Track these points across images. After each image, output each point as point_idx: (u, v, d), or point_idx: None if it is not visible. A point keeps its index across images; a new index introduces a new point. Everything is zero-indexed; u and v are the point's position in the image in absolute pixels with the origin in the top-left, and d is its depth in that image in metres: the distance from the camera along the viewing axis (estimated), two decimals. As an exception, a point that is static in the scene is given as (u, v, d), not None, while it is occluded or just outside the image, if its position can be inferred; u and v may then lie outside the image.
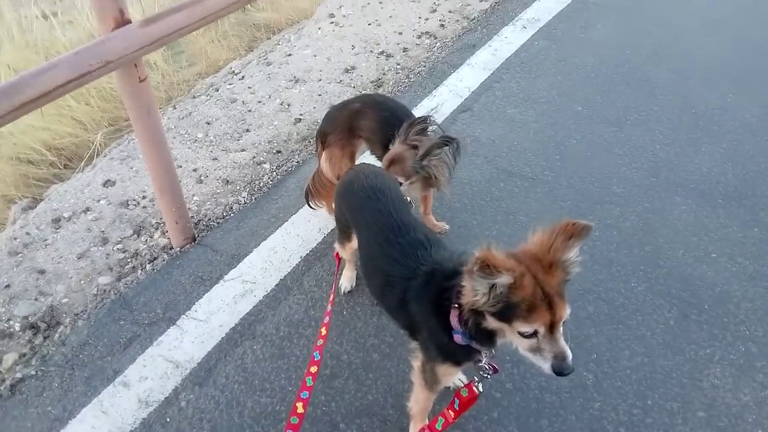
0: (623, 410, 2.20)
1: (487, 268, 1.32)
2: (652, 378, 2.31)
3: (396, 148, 2.40)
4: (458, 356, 1.74)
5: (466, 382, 2.23)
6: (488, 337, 1.57)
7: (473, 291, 1.43)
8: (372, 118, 2.63)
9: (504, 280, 1.35)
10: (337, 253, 2.52)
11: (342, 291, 2.64)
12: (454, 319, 1.60)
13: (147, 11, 4.95)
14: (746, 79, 4.20)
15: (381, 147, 2.63)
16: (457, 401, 1.80)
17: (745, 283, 2.70)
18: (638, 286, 2.68)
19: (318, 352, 1.93)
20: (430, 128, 2.47)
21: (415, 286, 1.74)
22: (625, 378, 2.31)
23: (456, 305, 1.58)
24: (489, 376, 1.73)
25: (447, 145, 2.38)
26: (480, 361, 1.71)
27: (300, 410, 1.73)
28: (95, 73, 2.13)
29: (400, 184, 2.33)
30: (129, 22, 2.21)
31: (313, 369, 1.87)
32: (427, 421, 2.08)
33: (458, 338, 1.62)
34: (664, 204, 3.14)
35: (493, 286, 1.38)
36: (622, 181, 3.29)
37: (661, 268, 2.77)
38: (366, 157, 3.04)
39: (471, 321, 1.54)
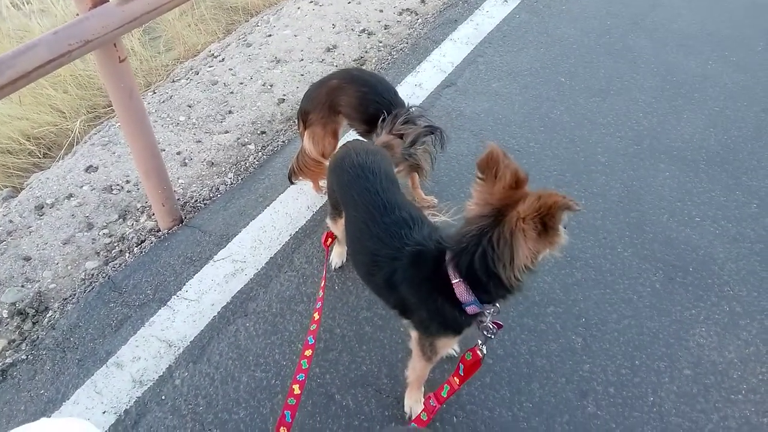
0: (612, 371, 2.25)
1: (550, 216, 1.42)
2: (640, 339, 2.36)
3: (383, 137, 2.40)
4: (462, 325, 1.73)
5: (458, 351, 2.27)
6: (506, 289, 1.58)
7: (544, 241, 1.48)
8: (351, 94, 2.60)
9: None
10: (325, 240, 2.50)
11: (333, 267, 2.64)
12: (462, 294, 1.59)
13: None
14: (724, 46, 4.23)
15: (361, 122, 2.62)
16: (462, 366, 1.81)
17: (728, 245, 2.75)
18: (624, 252, 2.72)
19: (312, 336, 1.93)
20: (416, 118, 2.49)
21: (404, 269, 1.72)
22: (613, 340, 2.35)
23: (459, 279, 1.58)
24: (494, 335, 1.73)
25: (432, 134, 2.42)
26: (483, 321, 1.71)
27: (297, 391, 1.73)
28: (75, 53, 2.09)
29: None
30: (107, 0, 2.18)
31: (308, 352, 1.87)
32: (423, 389, 2.11)
33: (473, 309, 1.61)
34: (649, 171, 3.18)
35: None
36: (606, 150, 3.32)
37: (647, 234, 2.81)
38: (355, 134, 3.03)
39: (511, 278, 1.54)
